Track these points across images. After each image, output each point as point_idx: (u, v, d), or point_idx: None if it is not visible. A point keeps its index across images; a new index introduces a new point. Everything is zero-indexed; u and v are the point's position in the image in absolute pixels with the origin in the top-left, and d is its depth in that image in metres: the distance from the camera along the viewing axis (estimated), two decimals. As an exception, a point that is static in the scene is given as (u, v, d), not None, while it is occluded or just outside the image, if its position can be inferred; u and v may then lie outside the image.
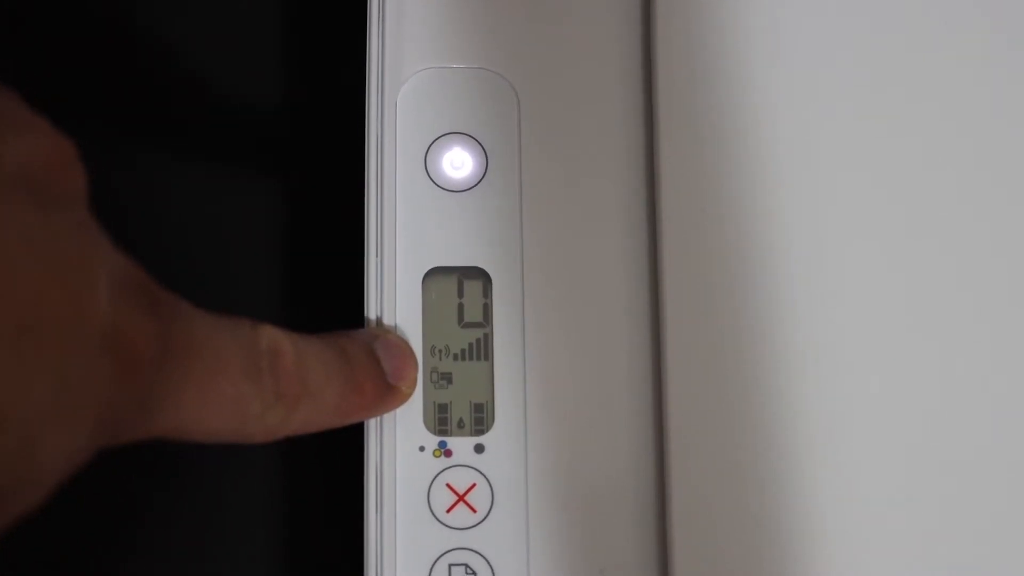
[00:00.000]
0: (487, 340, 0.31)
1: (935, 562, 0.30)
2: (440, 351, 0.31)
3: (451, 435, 0.30)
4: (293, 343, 0.26)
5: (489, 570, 0.30)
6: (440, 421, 0.30)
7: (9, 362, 0.18)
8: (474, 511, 0.30)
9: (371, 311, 0.31)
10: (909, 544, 0.30)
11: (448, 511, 0.30)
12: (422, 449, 0.30)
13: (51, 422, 0.19)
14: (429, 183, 0.32)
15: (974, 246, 0.31)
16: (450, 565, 0.30)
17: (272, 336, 0.26)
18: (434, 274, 0.31)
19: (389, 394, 0.29)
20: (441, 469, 0.30)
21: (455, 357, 0.31)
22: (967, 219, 0.31)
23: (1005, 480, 0.30)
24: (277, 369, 0.25)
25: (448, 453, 0.30)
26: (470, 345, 0.31)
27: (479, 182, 0.32)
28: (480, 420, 0.30)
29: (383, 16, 0.32)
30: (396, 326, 0.31)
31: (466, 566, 0.30)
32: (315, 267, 0.36)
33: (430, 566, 0.30)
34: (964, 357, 0.31)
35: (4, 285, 0.18)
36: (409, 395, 0.30)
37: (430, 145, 0.32)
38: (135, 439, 0.22)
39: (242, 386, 0.24)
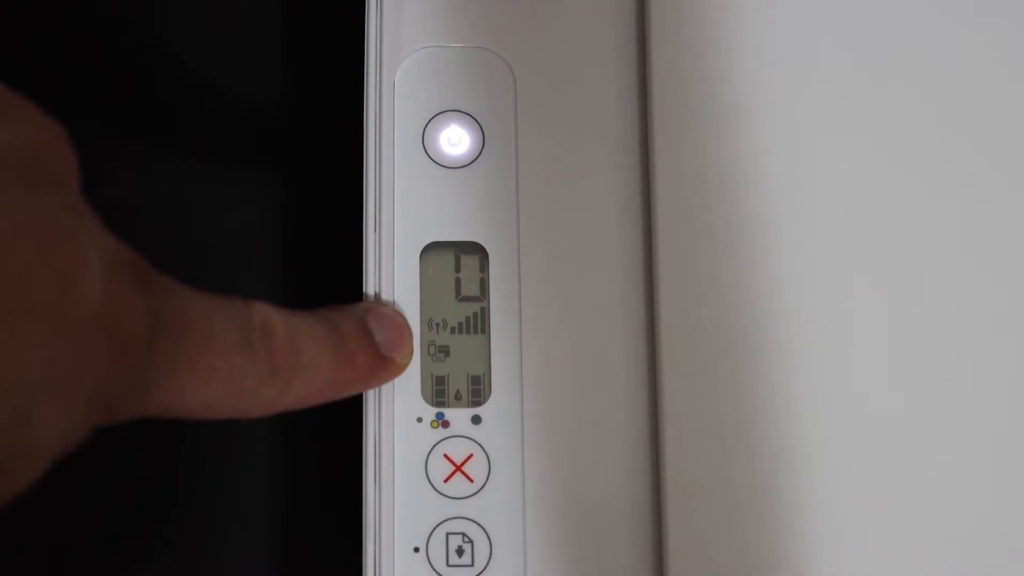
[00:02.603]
0: (484, 314, 0.31)
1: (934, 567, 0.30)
2: (438, 324, 0.31)
3: (448, 407, 0.31)
4: (284, 318, 0.26)
5: (486, 539, 0.30)
6: (438, 393, 0.31)
7: (2, 337, 0.18)
8: (471, 481, 0.30)
9: (369, 285, 0.31)
10: (906, 550, 0.30)
11: (446, 481, 0.30)
12: (420, 420, 0.31)
13: (44, 395, 0.19)
14: (427, 160, 0.32)
15: (968, 245, 0.32)
16: (447, 534, 0.30)
17: (264, 312, 0.26)
18: (432, 249, 0.32)
19: (383, 366, 0.30)
20: (439, 440, 0.31)
21: (452, 330, 0.31)
22: (962, 217, 0.32)
23: (1001, 481, 0.31)
24: (270, 343, 0.26)
25: (445, 424, 0.31)
26: (467, 319, 0.31)
27: (476, 159, 0.32)
28: (477, 392, 0.31)
29: (381, -5, 0.32)
30: (394, 300, 0.31)
31: (463, 535, 0.30)
32: (315, 244, 0.36)
33: (428, 535, 0.30)
34: (958, 357, 0.31)
35: None
36: (405, 366, 0.30)
37: (428, 123, 0.32)
38: (131, 418, 0.22)
39: (236, 360, 0.25)
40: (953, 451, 0.31)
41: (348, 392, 0.29)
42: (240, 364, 0.25)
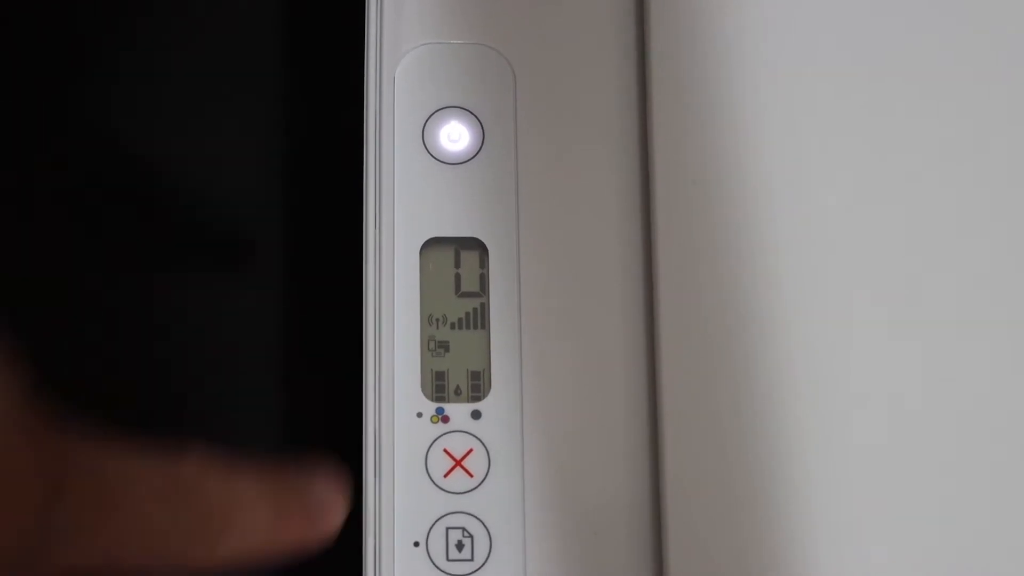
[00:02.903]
0: (483, 309, 0.32)
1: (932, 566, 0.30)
2: (437, 320, 0.31)
3: (448, 402, 0.31)
4: (217, 469, 0.26)
5: (486, 533, 0.30)
6: (438, 388, 0.31)
7: None
8: (471, 476, 0.31)
9: (369, 281, 0.31)
10: (904, 551, 0.30)
11: (446, 476, 0.30)
12: (420, 415, 0.31)
13: None
14: (427, 156, 0.32)
15: (967, 244, 0.32)
16: (447, 528, 0.30)
17: (194, 463, 0.25)
18: (432, 244, 0.32)
19: (318, 524, 0.28)
20: (439, 435, 0.31)
21: (452, 326, 0.31)
22: (960, 217, 0.32)
23: (1001, 482, 0.31)
24: (201, 494, 0.25)
25: (445, 419, 0.31)
26: (467, 314, 0.32)
27: (476, 155, 0.32)
28: (477, 387, 0.31)
29: (382, -8, 0.32)
30: (394, 296, 0.31)
31: (463, 529, 0.30)
32: (315, 240, 0.36)
33: (428, 529, 0.30)
34: (957, 356, 0.31)
35: None
36: (339, 524, 0.28)
37: (428, 119, 0.32)
38: (60, 572, 0.22)
39: (161, 512, 0.24)
40: (953, 451, 0.31)
41: (285, 547, 0.27)
42: (165, 515, 0.24)
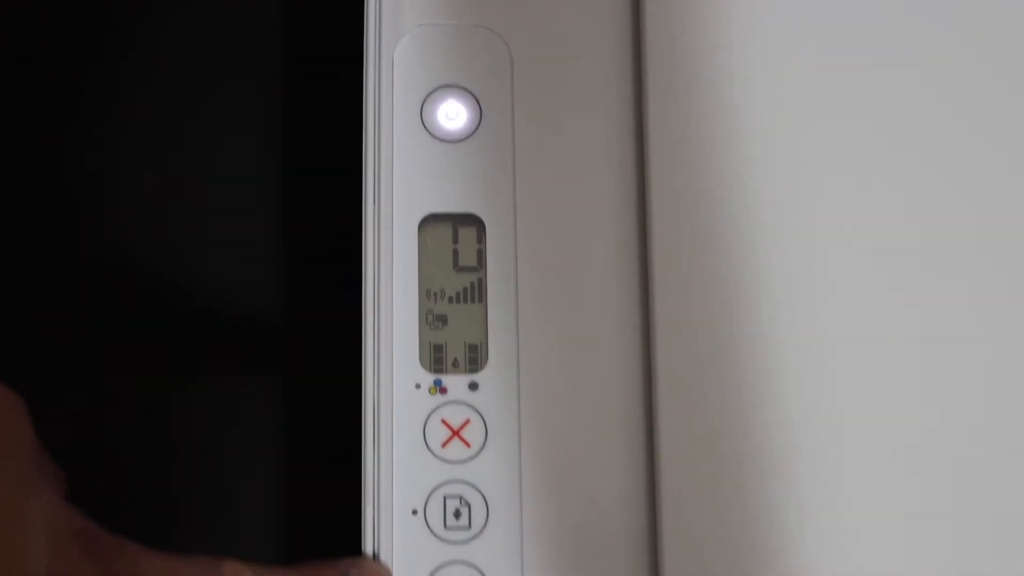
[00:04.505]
0: (481, 284, 0.32)
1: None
2: (436, 294, 0.32)
3: (446, 373, 0.31)
4: (257, 573, 0.26)
5: (483, 501, 0.31)
6: (436, 360, 0.32)
7: None
8: (468, 446, 0.31)
9: (369, 256, 0.32)
10: (899, 554, 0.31)
11: (443, 445, 0.31)
12: (418, 387, 0.31)
13: None
14: (425, 134, 0.33)
15: (963, 244, 0.32)
16: (445, 497, 0.31)
17: (234, 569, 0.26)
18: (430, 220, 0.32)
19: None
20: (436, 406, 0.31)
21: (450, 300, 0.32)
22: (957, 216, 0.32)
23: (991, 481, 0.31)
24: None
25: (443, 390, 0.31)
26: (464, 288, 0.32)
27: (473, 133, 0.33)
28: (474, 360, 0.32)
29: (381, -27, 0.33)
30: (393, 271, 0.32)
31: (460, 498, 0.31)
32: (315, 216, 0.37)
33: (426, 498, 0.31)
34: (953, 357, 0.32)
35: None
36: None
37: (426, 98, 0.33)
38: None
39: None
40: (949, 452, 0.31)
41: None
42: None
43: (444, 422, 0.31)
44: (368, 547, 0.30)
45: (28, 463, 0.22)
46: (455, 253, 0.32)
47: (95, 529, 0.23)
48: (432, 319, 0.32)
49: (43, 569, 0.21)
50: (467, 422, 0.31)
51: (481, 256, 0.32)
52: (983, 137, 0.33)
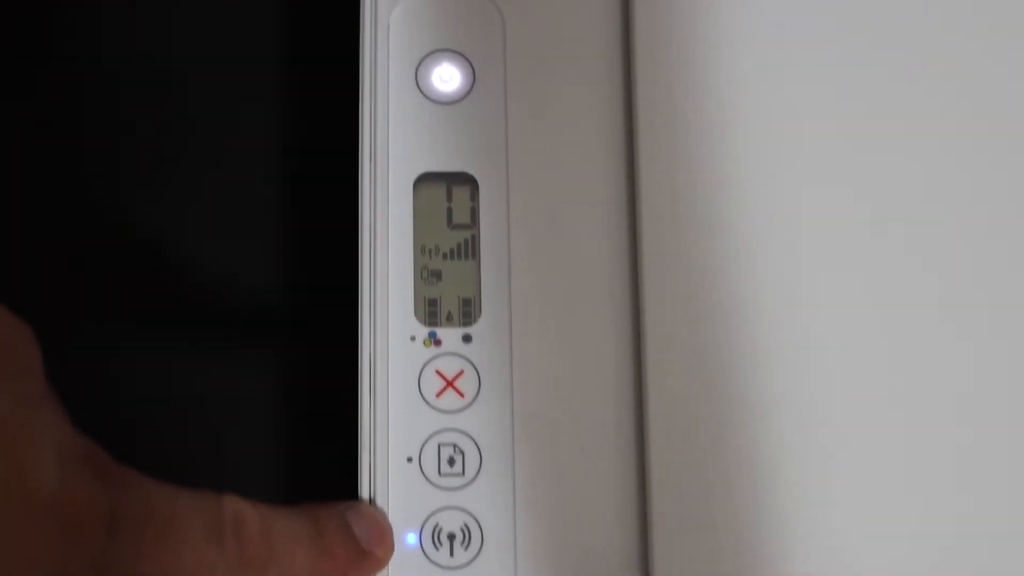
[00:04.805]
0: (474, 240, 0.33)
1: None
2: (430, 250, 0.33)
3: (440, 326, 0.32)
4: (258, 510, 0.27)
5: (476, 449, 0.32)
6: (430, 314, 0.32)
7: None
8: (462, 396, 0.32)
9: (365, 213, 0.33)
10: (891, 555, 0.31)
11: (438, 395, 0.32)
12: (413, 339, 0.32)
13: None
14: (420, 96, 0.34)
15: (953, 243, 0.33)
16: (439, 445, 0.32)
17: (235, 504, 0.26)
18: (425, 179, 0.33)
19: (363, 559, 0.29)
20: (431, 357, 0.32)
21: (444, 256, 0.33)
22: (945, 214, 0.33)
23: (983, 480, 0.32)
24: (241, 534, 0.26)
25: (438, 342, 0.32)
26: (458, 245, 0.33)
27: (467, 95, 0.34)
28: (468, 313, 0.32)
29: (377, -59, 0.34)
30: (389, 227, 0.33)
31: (454, 446, 0.32)
32: (314, 173, 0.38)
33: (420, 446, 0.32)
34: (942, 355, 0.32)
35: None
36: (387, 561, 0.30)
37: (421, 61, 0.34)
38: None
39: (204, 551, 0.25)
40: (938, 454, 0.32)
41: None
42: (209, 555, 0.25)
43: (438, 373, 0.32)
44: (364, 493, 0.31)
45: (38, 386, 0.23)
46: (449, 211, 0.33)
47: (103, 455, 0.24)
48: (427, 274, 0.33)
49: (51, 489, 0.22)
50: (461, 373, 0.32)
51: (474, 214, 0.33)
52: (974, 137, 0.34)
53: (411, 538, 0.31)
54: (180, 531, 0.25)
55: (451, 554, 0.31)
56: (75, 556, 0.22)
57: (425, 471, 0.31)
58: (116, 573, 0.23)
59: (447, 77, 0.34)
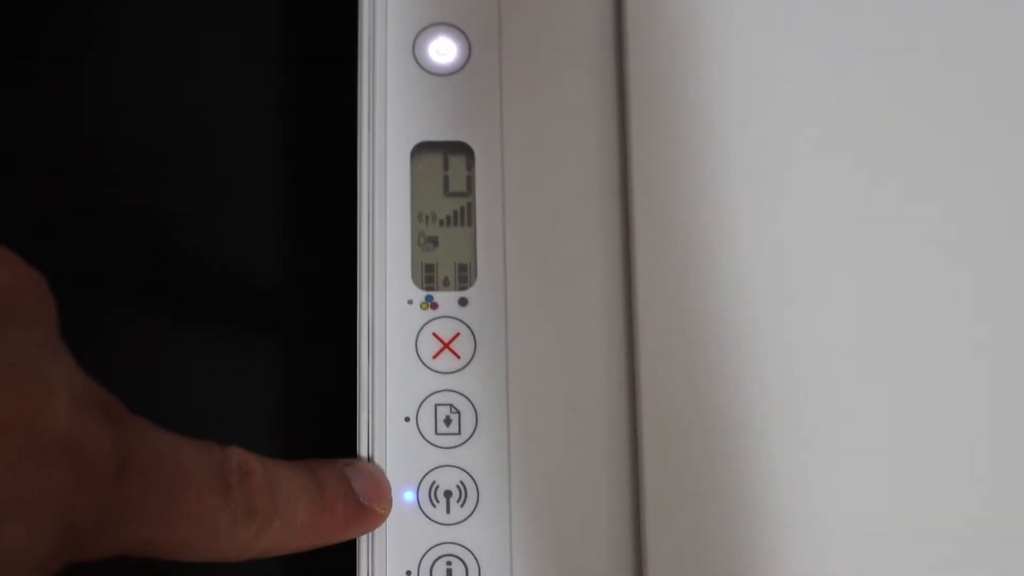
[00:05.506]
0: (470, 208, 0.34)
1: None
2: (427, 217, 0.34)
3: (437, 290, 0.33)
4: (262, 462, 0.27)
5: (472, 409, 0.32)
6: (427, 279, 0.33)
7: None
8: (458, 357, 0.33)
9: (363, 181, 0.33)
10: (884, 556, 0.32)
11: (434, 357, 0.33)
12: (410, 302, 0.33)
13: (8, 513, 0.21)
14: (417, 68, 0.35)
15: (943, 242, 0.34)
16: (436, 405, 0.32)
17: (241, 455, 0.27)
18: (422, 148, 0.34)
19: (362, 514, 0.30)
20: (428, 320, 0.33)
21: (441, 223, 0.34)
22: (935, 215, 0.34)
23: (974, 481, 0.32)
24: (246, 485, 0.26)
25: (434, 306, 0.33)
26: (455, 212, 0.34)
27: (463, 67, 0.35)
28: (464, 278, 0.33)
29: (374, -83, 0.35)
30: (387, 194, 0.34)
31: (451, 406, 0.32)
32: (314, 143, 0.38)
33: (418, 406, 0.32)
34: (934, 356, 0.33)
35: None
36: (384, 517, 0.31)
37: (418, 34, 0.35)
38: (105, 554, 0.23)
39: (209, 500, 0.25)
40: (931, 456, 0.32)
41: (326, 540, 0.29)
42: (214, 503, 0.25)
43: (435, 335, 0.33)
44: (363, 451, 0.32)
45: (53, 332, 0.23)
46: (445, 179, 0.34)
47: (115, 401, 0.24)
48: (424, 241, 0.34)
49: (62, 430, 0.22)
50: (457, 335, 0.33)
51: (470, 182, 0.34)
52: (971, 140, 0.34)
53: (408, 495, 0.32)
54: (186, 479, 0.25)
55: (447, 511, 0.32)
56: (83, 498, 0.22)
57: (422, 430, 0.32)
58: (122, 517, 0.23)
59: (443, 50, 0.35)
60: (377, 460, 0.32)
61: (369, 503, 0.30)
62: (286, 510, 0.28)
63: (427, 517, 0.32)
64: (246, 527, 0.26)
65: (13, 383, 0.21)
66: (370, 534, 0.31)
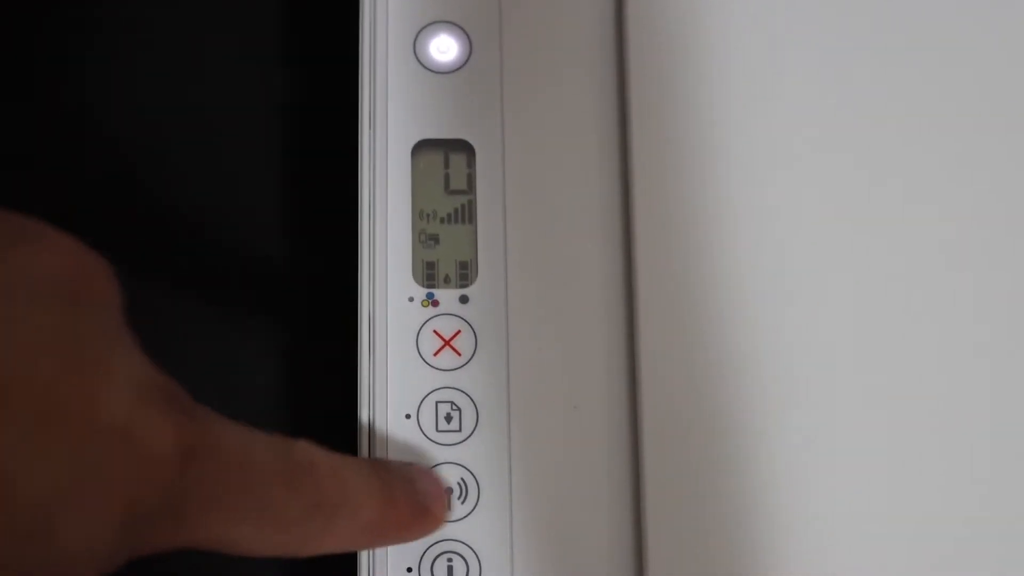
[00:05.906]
0: (471, 205, 0.34)
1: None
2: (428, 215, 0.34)
3: (438, 288, 0.33)
4: (327, 455, 0.27)
5: (472, 406, 0.32)
6: (428, 277, 0.33)
7: (24, 444, 0.19)
8: (459, 355, 0.33)
9: (364, 179, 0.33)
10: (885, 556, 0.32)
11: (435, 354, 0.33)
12: (411, 300, 0.33)
13: (68, 504, 0.20)
14: (418, 66, 0.35)
15: (943, 243, 0.34)
16: (437, 402, 0.32)
17: (306, 448, 0.26)
18: (423, 146, 0.34)
19: (423, 514, 0.30)
20: (429, 317, 0.33)
21: (442, 220, 0.34)
22: (936, 217, 0.34)
23: (973, 483, 0.32)
24: (313, 477, 0.26)
25: (435, 303, 0.33)
26: (455, 210, 0.34)
27: (464, 65, 0.35)
28: (464, 276, 0.33)
29: (376, -84, 0.35)
30: (388, 192, 0.34)
31: (451, 403, 0.32)
32: (315, 140, 0.38)
33: (418, 403, 0.32)
34: (935, 358, 0.33)
35: (23, 374, 0.20)
36: (442, 520, 0.31)
37: (419, 32, 0.35)
38: (172, 546, 0.23)
39: (278, 493, 0.25)
40: (932, 455, 0.32)
41: (390, 539, 0.29)
42: (281, 496, 0.25)
43: (436, 333, 0.33)
44: (364, 449, 0.32)
45: (117, 318, 0.23)
46: (446, 177, 0.34)
47: (181, 391, 0.24)
48: (425, 238, 0.34)
49: (122, 418, 0.21)
50: (458, 333, 0.33)
51: (471, 180, 0.34)
52: (969, 140, 0.34)
53: (409, 493, 0.32)
54: (253, 471, 0.25)
55: (449, 508, 0.32)
56: (144, 488, 0.22)
57: (423, 428, 0.32)
58: (187, 508, 0.23)
59: (444, 48, 0.35)
60: (378, 457, 0.32)
61: (429, 504, 0.30)
62: (353, 504, 0.27)
63: (428, 514, 0.32)
64: (314, 521, 0.26)
65: (74, 369, 0.21)
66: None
